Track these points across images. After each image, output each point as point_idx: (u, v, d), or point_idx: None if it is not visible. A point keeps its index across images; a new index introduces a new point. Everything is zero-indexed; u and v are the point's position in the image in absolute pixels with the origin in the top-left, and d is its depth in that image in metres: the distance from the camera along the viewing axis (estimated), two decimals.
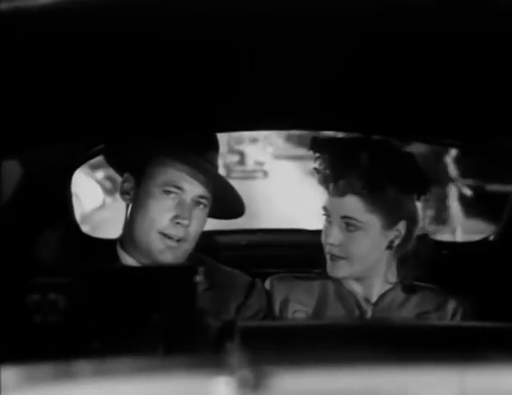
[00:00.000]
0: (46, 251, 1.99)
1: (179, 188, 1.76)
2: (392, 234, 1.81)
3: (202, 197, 1.77)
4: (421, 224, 1.85)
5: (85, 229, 2.28)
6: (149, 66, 1.21)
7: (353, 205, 1.77)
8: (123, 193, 1.83)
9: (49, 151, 1.98)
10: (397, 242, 1.82)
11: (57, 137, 1.70)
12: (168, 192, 1.75)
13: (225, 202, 1.84)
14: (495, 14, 1.00)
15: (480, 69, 1.22)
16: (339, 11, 1.03)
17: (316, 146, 1.85)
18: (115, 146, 1.93)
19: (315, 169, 1.84)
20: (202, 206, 1.78)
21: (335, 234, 1.79)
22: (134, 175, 1.81)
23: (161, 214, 1.74)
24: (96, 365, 0.74)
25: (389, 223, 1.79)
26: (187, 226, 1.75)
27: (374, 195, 1.76)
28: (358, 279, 1.86)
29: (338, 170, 1.78)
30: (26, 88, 1.25)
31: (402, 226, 1.81)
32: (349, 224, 1.78)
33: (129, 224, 1.81)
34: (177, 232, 1.74)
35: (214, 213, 1.85)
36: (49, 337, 0.87)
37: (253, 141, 24.35)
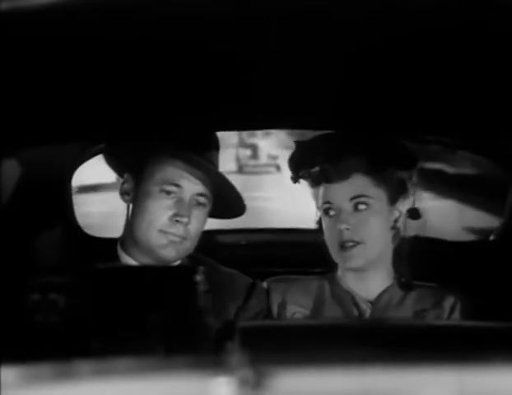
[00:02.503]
0: (46, 251, 1.99)
1: (177, 185, 1.76)
2: (396, 213, 1.85)
3: (201, 194, 1.77)
4: (412, 202, 1.88)
5: (85, 229, 2.28)
6: (149, 65, 1.21)
7: (360, 182, 1.81)
8: (123, 194, 1.84)
9: (49, 150, 1.98)
10: (399, 222, 1.85)
11: (56, 137, 1.70)
12: (167, 192, 1.75)
13: (226, 200, 1.84)
14: (500, 11, 1.00)
15: (482, 67, 1.22)
16: (340, 9, 1.03)
17: (306, 148, 1.87)
18: (115, 145, 1.93)
19: (308, 173, 1.85)
20: (201, 204, 1.78)
21: (346, 218, 1.80)
22: (134, 176, 1.81)
23: (160, 212, 1.74)
24: (96, 365, 0.74)
25: (393, 198, 1.84)
26: (186, 224, 1.75)
27: (376, 171, 1.81)
28: (364, 270, 1.84)
29: (336, 157, 1.81)
30: (26, 87, 1.25)
31: (401, 205, 1.85)
32: (359, 203, 1.80)
33: (130, 224, 1.81)
34: (177, 230, 1.74)
35: (214, 213, 1.85)
36: (49, 337, 0.87)
37: (267, 134, 23.75)
